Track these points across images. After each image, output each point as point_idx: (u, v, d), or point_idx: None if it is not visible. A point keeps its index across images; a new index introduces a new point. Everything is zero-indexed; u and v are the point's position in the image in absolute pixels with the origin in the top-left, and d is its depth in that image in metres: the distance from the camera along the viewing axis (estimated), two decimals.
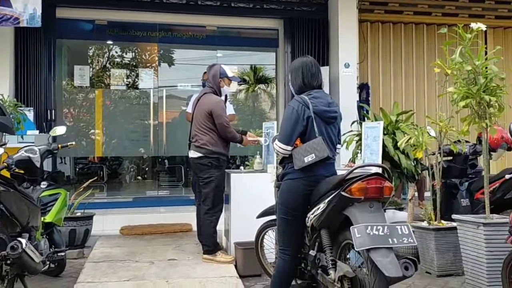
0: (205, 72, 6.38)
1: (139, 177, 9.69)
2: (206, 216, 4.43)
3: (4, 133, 2.69)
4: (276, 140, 3.01)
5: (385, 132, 4.96)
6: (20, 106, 5.46)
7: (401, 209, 5.39)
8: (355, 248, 2.46)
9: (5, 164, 3.42)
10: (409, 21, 7.71)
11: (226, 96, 6.13)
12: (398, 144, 4.41)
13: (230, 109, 6.18)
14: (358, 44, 7.10)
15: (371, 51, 7.55)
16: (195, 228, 5.04)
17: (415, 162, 4.98)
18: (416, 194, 6.20)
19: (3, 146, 3.42)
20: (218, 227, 4.52)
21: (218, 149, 4.40)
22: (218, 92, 4.53)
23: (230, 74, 4.58)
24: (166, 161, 9.00)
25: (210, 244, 4.42)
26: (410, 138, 4.29)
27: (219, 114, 4.35)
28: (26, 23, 5.26)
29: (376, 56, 7.58)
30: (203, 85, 6.27)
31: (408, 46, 7.74)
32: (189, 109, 5.79)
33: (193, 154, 4.46)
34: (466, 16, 7.72)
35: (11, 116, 4.75)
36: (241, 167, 5.13)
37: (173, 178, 8.82)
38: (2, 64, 6.01)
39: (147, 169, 9.61)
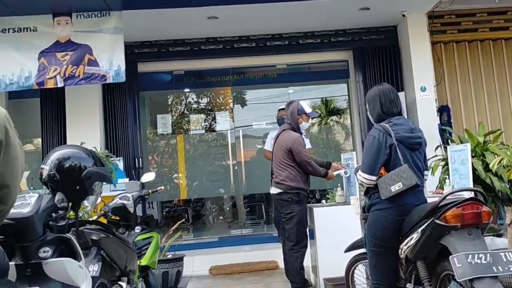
0: (279, 109, 6.51)
1: (221, 217, 9.89)
2: (291, 253, 4.41)
3: (103, 183, 2.90)
4: (359, 170, 2.97)
5: (473, 155, 4.70)
6: (111, 157, 5.86)
7: (499, 235, 5.00)
8: (457, 279, 2.32)
9: (102, 211, 3.66)
10: (485, 38, 7.37)
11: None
12: (490, 166, 4.15)
13: (306, 143, 6.22)
14: (433, 66, 6.90)
15: (448, 72, 7.28)
16: (281, 265, 5.01)
17: (510, 184, 4.66)
18: None
19: (100, 195, 3.67)
20: (305, 263, 4.48)
21: (298, 184, 4.41)
22: (296, 129, 4.57)
23: (308, 110, 4.63)
24: (246, 199, 9.12)
25: (298, 281, 4.37)
26: (502, 159, 4.03)
27: (299, 150, 4.39)
28: (112, 80, 5.69)
29: (453, 77, 7.29)
30: (278, 122, 6.38)
31: (487, 64, 7.37)
32: (267, 147, 5.89)
33: (273, 190, 4.52)
34: None
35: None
36: (323, 201, 5.09)
37: (254, 216, 8.89)
38: (93, 119, 6.52)
39: (228, 208, 9.79)
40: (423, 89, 6.57)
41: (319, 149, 9.28)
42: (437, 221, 2.50)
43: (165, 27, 6.47)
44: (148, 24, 6.27)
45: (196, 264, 5.82)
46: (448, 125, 6.72)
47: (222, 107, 8.71)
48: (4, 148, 1.75)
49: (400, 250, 2.81)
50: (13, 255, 2.30)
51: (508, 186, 4.67)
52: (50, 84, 5.64)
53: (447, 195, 2.60)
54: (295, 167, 4.44)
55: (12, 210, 2.00)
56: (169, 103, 8.60)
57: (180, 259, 5.18)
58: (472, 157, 4.61)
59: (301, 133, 4.94)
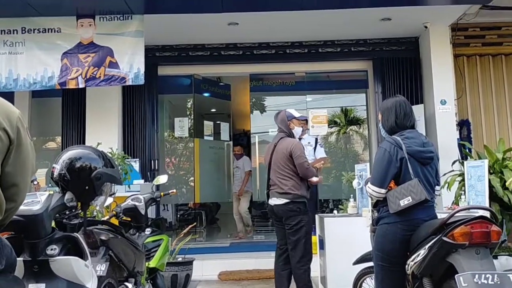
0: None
1: (234, 222, 9.88)
2: (299, 265, 4.30)
3: (113, 184, 2.94)
4: (369, 183, 2.95)
5: (491, 171, 4.60)
6: (127, 158, 5.93)
7: None
8: None
9: (114, 212, 3.70)
10: (510, 52, 7.22)
11: (316, 139, 6.16)
12: (507, 183, 4.06)
13: (321, 153, 6.17)
14: (455, 80, 6.79)
15: (470, 86, 7.15)
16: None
17: None
18: None
19: (113, 196, 3.72)
20: (313, 274, 4.43)
21: (303, 192, 4.35)
22: (291, 135, 4.55)
23: (296, 115, 4.62)
24: (259, 206, 9.12)
25: None
26: None
27: (298, 154, 4.32)
28: (131, 82, 5.78)
29: (475, 91, 7.16)
30: None
31: (511, 79, 7.22)
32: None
33: (277, 201, 4.35)
34: None
35: (119, 167, 5.19)
36: (335, 211, 5.05)
37: (267, 223, 8.89)
38: (111, 119, 6.63)
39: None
40: (443, 102, 6.48)
41: (337, 159, 9.22)
42: (445, 238, 2.46)
43: (186, 32, 6.55)
44: (169, 28, 6.35)
45: (205, 268, 5.83)
46: (468, 140, 6.60)
47: (240, 113, 8.74)
48: (15, 148, 1.79)
49: (407, 266, 2.77)
50: (22, 251, 2.35)
51: None
52: (71, 85, 5.76)
53: (456, 212, 2.56)
54: (298, 175, 4.38)
55: (22, 207, 2.05)
56: (188, 106, 8.68)
57: (190, 262, 5.20)
58: (491, 173, 4.51)
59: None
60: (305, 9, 5.72)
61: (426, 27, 6.60)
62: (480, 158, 4.83)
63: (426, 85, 6.86)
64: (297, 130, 4.58)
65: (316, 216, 5.17)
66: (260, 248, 6.92)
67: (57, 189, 2.72)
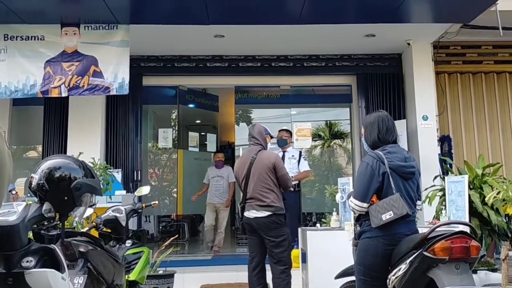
0: (280, 130, 6.53)
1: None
2: (283, 276, 4.31)
3: (93, 195, 2.89)
4: (351, 196, 2.96)
5: (471, 187, 4.67)
6: (109, 168, 5.85)
7: (494, 270, 4.93)
8: None
9: (94, 223, 3.63)
10: (489, 70, 7.39)
11: (300, 152, 6.19)
12: (486, 199, 4.12)
13: (305, 166, 6.20)
14: (436, 96, 6.91)
15: (451, 103, 7.28)
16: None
17: (507, 218, 4.60)
18: (511, 253, 5.65)
19: (93, 207, 3.65)
20: (296, 287, 4.41)
21: (282, 205, 4.37)
22: (266, 149, 4.58)
23: (271, 132, 4.75)
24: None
25: None
26: (499, 192, 4.00)
27: (281, 166, 4.41)
28: (115, 92, 5.72)
29: (456, 108, 7.29)
30: (278, 143, 6.38)
31: (490, 96, 7.37)
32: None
33: (258, 213, 4.31)
34: None
35: (100, 178, 5.13)
36: (318, 224, 5.05)
37: None
38: (94, 129, 6.55)
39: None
40: (425, 118, 6.57)
41: (320, 172, 9.25)
42: (425, 253, 2.47)
43: (172, 43, 6.55)
44: (155, 39, 6.34)
45: (187, 281, 5.75)
46: (449, 155, 6.69)
47: (225, 124, 8.73)
48: None
49: (388, 280, 2.77)
50: None
51: (505, 221, 4.62)
52: (54, 93, 5.68)
53: (437, 227, 2.58)
54: (278, 187, 4.40)
55: None
56: (173, 117, 8.65)
57: (171, 275, 5.12)
58: (470, 189, 4.58)
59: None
60: (291, 23, 5.78)
61: (409, 44, 6.73)
62: (460, 173, 4.90)
63: (408, 100, 6.95)
64: (269, 145, 4.70)
65: (299, 229, 5.17)
66: (242, 261, 6.83)
67: (35, 199, 2.66)
